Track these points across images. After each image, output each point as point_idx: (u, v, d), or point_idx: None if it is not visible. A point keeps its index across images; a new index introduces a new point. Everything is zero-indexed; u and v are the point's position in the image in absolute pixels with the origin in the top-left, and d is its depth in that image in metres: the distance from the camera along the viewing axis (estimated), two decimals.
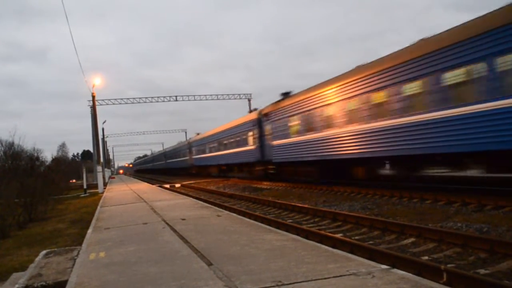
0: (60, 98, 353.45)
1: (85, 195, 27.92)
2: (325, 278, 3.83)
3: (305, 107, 18.31)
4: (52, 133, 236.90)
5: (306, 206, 12.00)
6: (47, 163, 40.77)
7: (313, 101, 17.55)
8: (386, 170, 15.24)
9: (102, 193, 24.44)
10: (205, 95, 49.63)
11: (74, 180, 49.99)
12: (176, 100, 47.78)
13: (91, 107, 38.84)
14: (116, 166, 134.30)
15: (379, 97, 13.24)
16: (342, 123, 15.41)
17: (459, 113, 10.21)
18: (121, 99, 46.80)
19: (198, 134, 46.80)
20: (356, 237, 7.99)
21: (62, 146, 78.75)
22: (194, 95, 49.32)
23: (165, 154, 69.09)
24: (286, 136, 20.46)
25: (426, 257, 6.14)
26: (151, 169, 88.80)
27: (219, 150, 34.14)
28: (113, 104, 46.04)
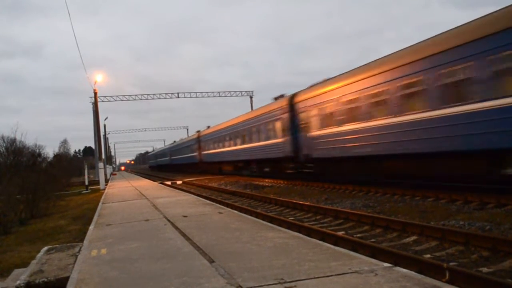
0: (58, 94, 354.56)
1: (87, 191, 27.97)
2: (327, 276, 3.82)
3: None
4: (52, 129, 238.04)
5: (307, 203, 11.99)
6: (49, 160, 40.96)
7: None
8: None
9: (104, 189, 24.47)
10: (207, 92, 49.60)
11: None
12: (178, 97, 47.77)
13: (92, 104, 38.88)
14: (117, 163, 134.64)
15: None
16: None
17: None
18: (123, 95, 46.79)
19: (208, 127, 42.14)
20: (358, 235, 7.98)
21: (64, 142, 78.88)
22: (195, 92, 49.42)
23: (171, 150, 63.55)
24: (336, 123, 15.51)
25: (429, 255, 6.12)
26: (159, 166, 79.87)
27: (236, 144, 29.28)
28: (115, 100, 46.04)
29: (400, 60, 12.47)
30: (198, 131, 44.42)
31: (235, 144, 29.35)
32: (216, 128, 36.33)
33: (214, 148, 35.89)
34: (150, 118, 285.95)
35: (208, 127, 42.17)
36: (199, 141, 42.24)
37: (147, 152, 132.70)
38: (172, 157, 60.64)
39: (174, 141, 66.17)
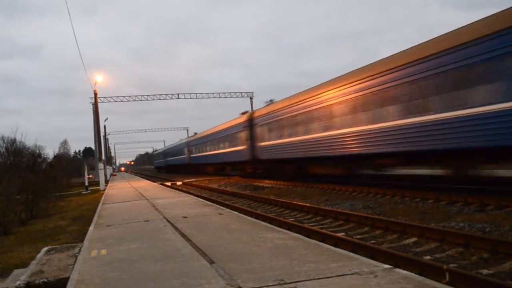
0: (58, 95, 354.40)
1: (87, 192, 27.95)
2: (327, 277, 3.82)
3: None
4: (52, 130, 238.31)
5: (307, 204, 11.98)
6: (49, 160, 40.98)
7: None
8: None
9: (104, 190, 24.47)
10: (206, 93, 49.53)
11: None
12: (178, 98, 47.73)
13: (92, 104, 38.89)
14: (117, 164, 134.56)
15: None
16: None
17: None
18: (123, 96, 46.85)
19: (271, 101, 25.84)
20: (358, 236, 7.98)
21: (64, 143, 79.22)
22: (195, 93, 49.30)
23: (189, 145, 47.24)
24: None
25: (428, 257, 6.12)
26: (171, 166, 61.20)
27: (363, 122, 14.19)
28: (115, 101, 46.03)
29: None
30: (246, 112, 29.56)
31: (354, 124, 14.76)
32: (297, 99, 19.52)
33: (291, 135, 20.06)
34: (149, 119, 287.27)
35: (271, 101, 25.90)
36: (252, 125, 25.91)
37: (148, 153, 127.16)
38: (193, 155, 44.90)
39: (195, 133, 48.96)
